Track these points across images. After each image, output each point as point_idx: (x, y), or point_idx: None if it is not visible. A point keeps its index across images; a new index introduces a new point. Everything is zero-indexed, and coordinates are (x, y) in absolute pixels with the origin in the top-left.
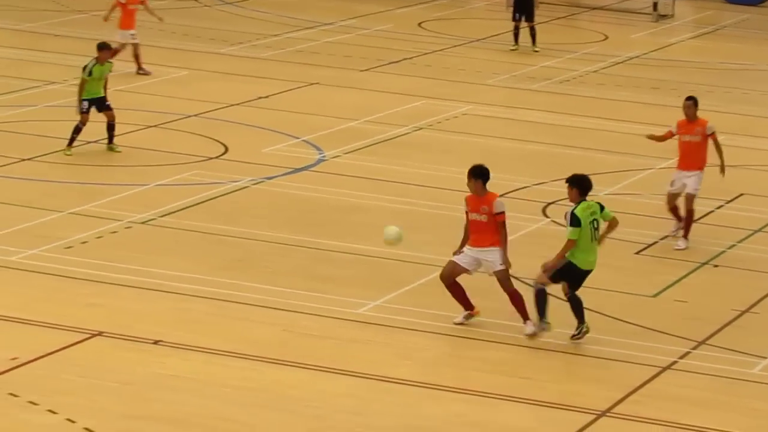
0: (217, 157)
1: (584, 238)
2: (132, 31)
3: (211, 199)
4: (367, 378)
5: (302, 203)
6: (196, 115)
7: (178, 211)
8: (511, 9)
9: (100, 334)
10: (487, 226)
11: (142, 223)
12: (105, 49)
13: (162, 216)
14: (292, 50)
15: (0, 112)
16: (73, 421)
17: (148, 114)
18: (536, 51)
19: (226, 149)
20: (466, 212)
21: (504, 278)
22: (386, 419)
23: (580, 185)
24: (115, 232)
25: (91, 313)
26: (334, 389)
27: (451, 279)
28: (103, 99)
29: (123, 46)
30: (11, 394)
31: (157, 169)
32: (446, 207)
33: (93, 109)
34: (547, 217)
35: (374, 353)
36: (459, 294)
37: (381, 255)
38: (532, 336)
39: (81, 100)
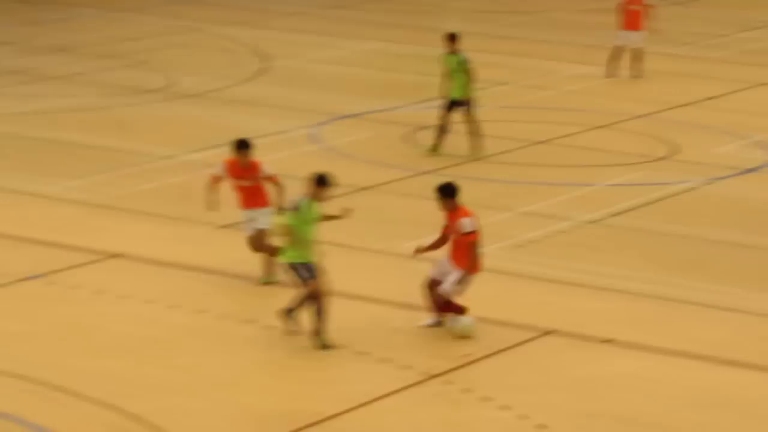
0: (666, 158)
1: None
2: (629, 33)
3: (660, 199)
4: None
5: (754, 204)
6: (644, 116)
7: (626, 211)
8: None
9: (552, 332)
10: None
11: (591, 222)
12: (449, 39)
13: (611, 216)
14: (740, 50)
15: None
16: (526, 417)
17: (596, 114)
18: None
19: (676, 150)
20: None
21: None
22: None
23: None
24: (564, 231)
25: (542, 311)
26: None
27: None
28: (455, 102)
29: (622, 48)
30: (466, 389)
31: (606, 170)
32: None
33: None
34: None
35: None
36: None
37: None
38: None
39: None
